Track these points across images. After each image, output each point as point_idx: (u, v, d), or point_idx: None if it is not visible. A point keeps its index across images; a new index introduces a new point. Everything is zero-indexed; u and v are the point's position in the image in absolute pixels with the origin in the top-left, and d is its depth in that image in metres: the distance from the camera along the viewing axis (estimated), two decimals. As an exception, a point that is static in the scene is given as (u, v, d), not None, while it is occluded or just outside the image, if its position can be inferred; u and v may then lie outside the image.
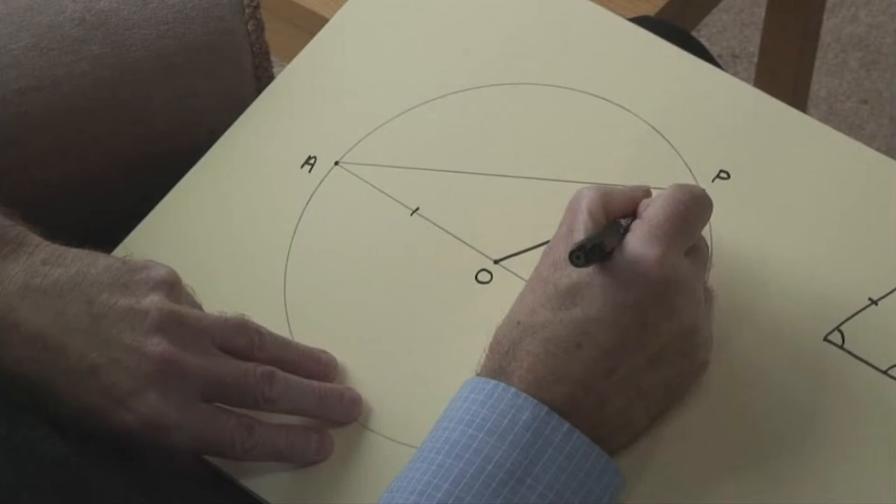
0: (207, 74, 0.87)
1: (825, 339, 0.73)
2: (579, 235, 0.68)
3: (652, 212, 0.69)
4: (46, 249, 0.69)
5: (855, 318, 0.73)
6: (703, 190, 0.71)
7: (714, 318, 0.71)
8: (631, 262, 0.66)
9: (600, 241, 0.65)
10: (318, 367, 0.73)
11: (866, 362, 0.72)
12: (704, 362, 0.70)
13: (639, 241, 0.67)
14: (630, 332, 0.66)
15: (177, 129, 0.87)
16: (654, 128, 0.80)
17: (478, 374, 0.68)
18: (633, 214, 0.70)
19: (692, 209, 0.69)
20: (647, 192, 0.73)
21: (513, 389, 0.65)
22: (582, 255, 0.65)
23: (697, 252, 0.71)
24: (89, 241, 0.71)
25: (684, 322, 0.67)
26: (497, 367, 0.67)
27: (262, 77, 0.89)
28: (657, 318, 0.66)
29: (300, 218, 0.80)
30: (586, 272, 0.66)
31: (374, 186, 0.81)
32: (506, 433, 0.64)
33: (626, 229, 0.68)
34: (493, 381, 0.66)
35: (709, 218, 0.71)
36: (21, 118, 0.82)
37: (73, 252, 0.70)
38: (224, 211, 0.81)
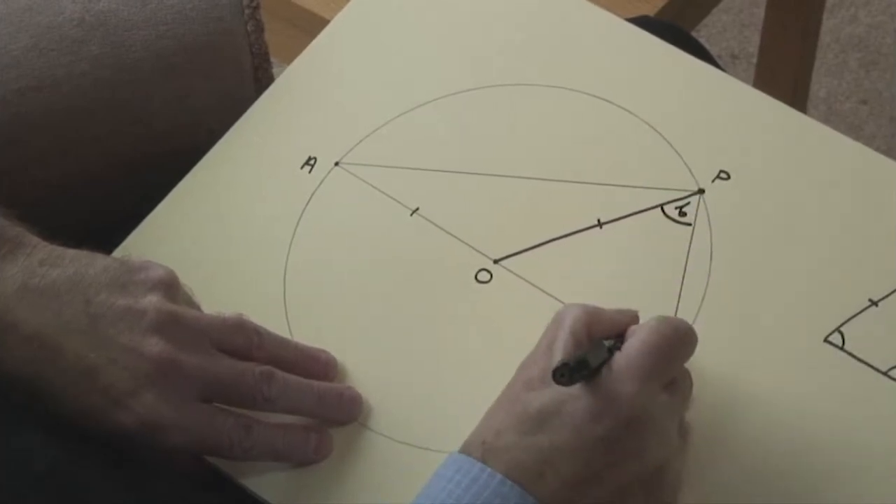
0: (207, 74, 0.87)
1: (825, 340, 0.73)
2: (558, 354, 0.66)
3: (631, 345, 0.66)
4: (44, 250, 0.69)
5: (855, 319, 0.73)
6: (688, 324, 0.69)
7: (688, 457, 0.69)
8: (604, 394, 0.64)
9: (584, 357, 0.63)
10: (317, 366, 0.73)
11: (867, 363, 0.72)
12: (671, 502, 0.67)
13: (615, 375, 0.65)
14: (594, 465, 0.63)
15: (177, 129, 0.87)
16: (653, 128, 0.80)
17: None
18: (617, 336, 0.68)
19: (673, 344, 0.67)
20: (634, 318, 0.70)
21: (499, 476, 0.63)
22: (566, 373, 0.62)
23: (677, 387, 0.68)
24: (89, 241, 0.71)
25: (652, 461, 0.65)
26: None
27: (261, 77, 0.89)
28: (624, 454, 0.64)
29: (300, 218, 0.80)
30: (559, 397, 0.64)
31: (374, 187, 0.81)
32: None
33: (610, 350, 0.66)
34: (479, 465, 0.63)
35: (692, 352, 0.69)
36: (21, 118, 0.82)
37: (71, 252, 0.70)
38: (224, 211, 0.81)
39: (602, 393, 0.64)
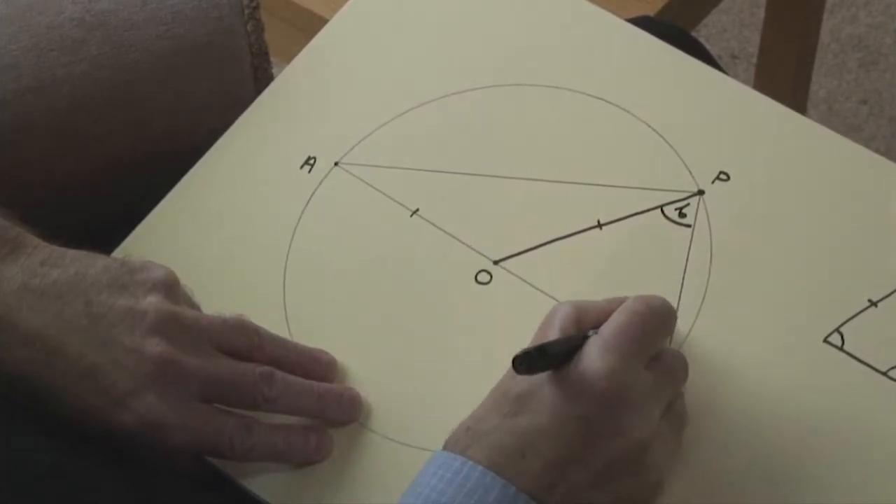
0: (207, 74, 0.87)
1: (825, 340, 0.73)
2: None
3: (607, 324, 0.67)
4: (45, 250, 0.69)
5: (855, 319, 0.73)
6: (663, 300, 0.69)
7: (680, 446, 0.69)
8: (580, 374, 0.64)
9: (543, 346, 0.64)
10: (317, 366, 0.73)
11: (866, 364, 0.72)
12: (658, 484, 0.67)
13: (590, 354, 0.65)
14: (574, 446, 0.64)
15: (177, 129, 0.87)
16: (653, 129, 0.80)
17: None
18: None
19: (646, 320, 0.67)
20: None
21: (480, 468, 0.63)
22: (525, 361, 0.63)
23: (662, 368, 0.68)
24: (89, 241, 0.71)
25: (633, 440, 0.64)
26: None
27: (261, 77, 0.89)
28: (602, 433, 0.64)
29: (299, 219, 0.80)
30: (537, 382, 0.65)
31: (373, 187, 0.81)
32: None
33: (586, 336, 0.66)
34: (460, 459, 0.64)
35: (671, 328, 0.69)
36: (21, 118, 0.82)
37: (72, 253, 0.70)
38: (223, 212, 0.81)
39: (576, 374, 0.65)
